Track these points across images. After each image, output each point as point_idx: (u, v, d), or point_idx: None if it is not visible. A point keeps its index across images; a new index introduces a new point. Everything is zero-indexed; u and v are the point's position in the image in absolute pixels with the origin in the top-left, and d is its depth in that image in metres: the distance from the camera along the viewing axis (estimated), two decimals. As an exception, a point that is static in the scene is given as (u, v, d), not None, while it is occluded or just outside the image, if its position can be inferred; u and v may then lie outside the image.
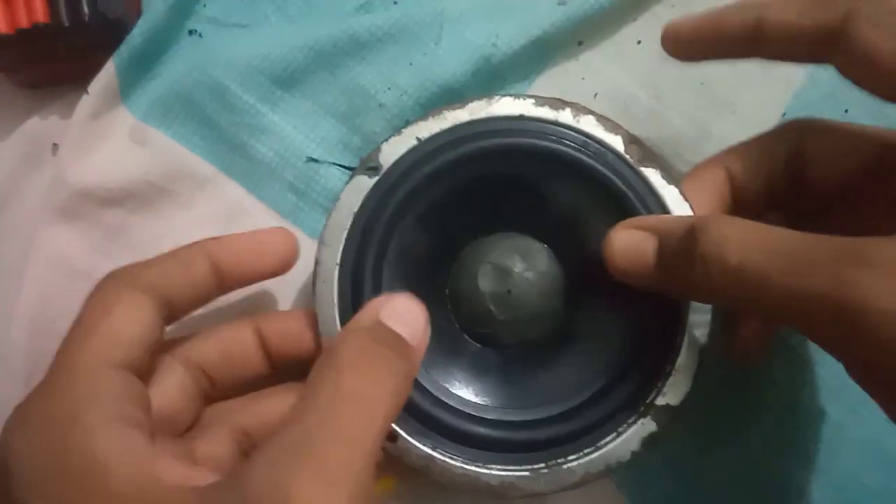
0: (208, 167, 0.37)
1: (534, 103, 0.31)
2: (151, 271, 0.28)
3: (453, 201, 0.31)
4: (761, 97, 0.38)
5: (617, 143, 0.31)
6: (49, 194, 0.35)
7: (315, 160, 0.36)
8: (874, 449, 0.35)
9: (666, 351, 0.30)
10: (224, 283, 0.30)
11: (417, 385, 0.30)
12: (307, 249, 0.35)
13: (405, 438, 0.29)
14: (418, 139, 0.31)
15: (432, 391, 0.31)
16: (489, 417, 0.31)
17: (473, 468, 0.29)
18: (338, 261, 0.30)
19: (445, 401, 0.31)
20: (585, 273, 0.32)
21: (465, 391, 0.31)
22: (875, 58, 0.24)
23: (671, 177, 0.31)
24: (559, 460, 0.30)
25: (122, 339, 0.25)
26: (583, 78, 0.38)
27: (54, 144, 0.37)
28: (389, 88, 0.36)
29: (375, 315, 0.25)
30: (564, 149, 0.30)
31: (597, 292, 0.32)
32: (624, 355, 0.31)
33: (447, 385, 0.31)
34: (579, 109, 0.31)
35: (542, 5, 0.37)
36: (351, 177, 0.31)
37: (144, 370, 0.27)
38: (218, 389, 0.31)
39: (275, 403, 0.31)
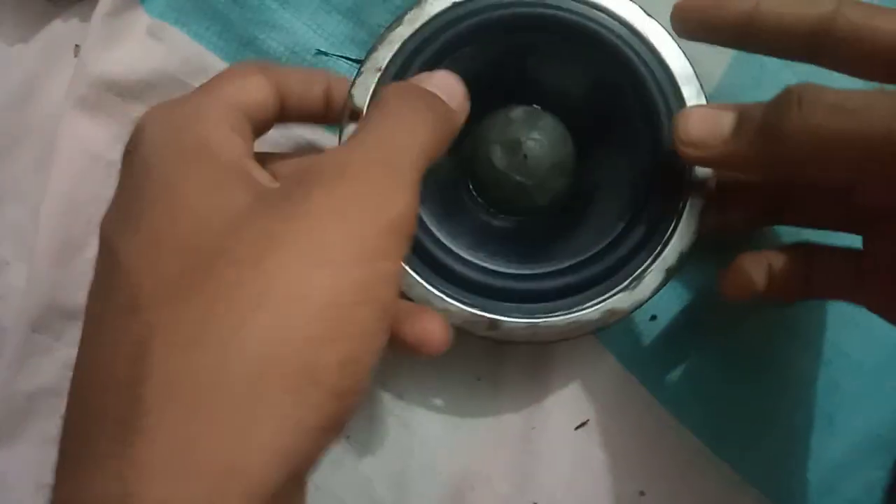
0: (222, 63, 0.38)
1: None
2: (279, 68, 0.30)
3: (475, 70, 0.32)
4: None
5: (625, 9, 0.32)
6: (71, 87, 0.37)
7: (324, 53, 0.38)
8: (855, 324, 0.37)
9: (649, 246, 0.32)
10: (331, 114, 0.32)
11: (435, 241, 0.32)
12: (322, 139, 0.37)
13: (415, 278, 0.31)
14: (454, 3, 0.32)
15: (454, 250, 0.33)
16: (491, 268, 0.33)
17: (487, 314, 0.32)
18: (365, 107, 0.31)
19: (469, 259, 0.33)
20: (594, 138, 0.34)
21: (472, 248, 0.33)
22: (865, 42, 0.25)
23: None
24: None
25: (245, 97, 0.27)
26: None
27: (76, 45, 0.39)
28: (394, -18, 0.37)
29: (419, 83, 0.28)
30: (576, 19, 0.32)
31: (603, 157, 0.34)
32: (607, 242, 0.32)
33: (463, 251, 0.33)
34: None
35: None
36: (385, 33, 0.32)
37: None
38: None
39: None
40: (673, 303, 0.38)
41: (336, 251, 0.21)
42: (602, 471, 0.37)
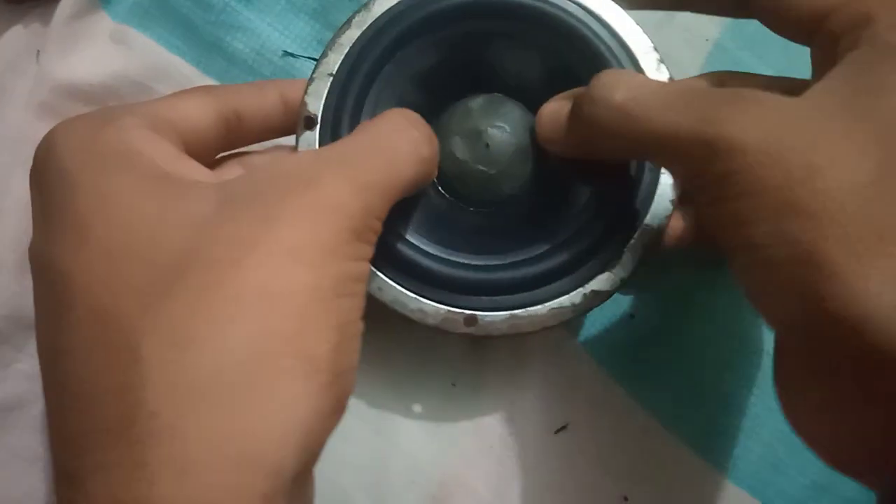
0: (188, 66, 0.38)
1: None
2: (225, 87, 0.30)
3: (429, 63, 0.33)
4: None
5: None
6: (33, 92, 0.36)
7: (291, 55, 0.37)
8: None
9: (625, 225, 0.31)
10: (290, 122, 0.31)
11: (402, 240, 0.31)
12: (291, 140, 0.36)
13: (385, 280, 0.31)
14: (399, 1, 0.32)
15: (423, 247, 0.32)
16: (463, 262, 0.32)
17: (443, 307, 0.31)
18: (319, 114, 0.31)
19: (440, 255, 0.32)
20: None
21: (441, 243, 0.32)
22: (784, 5, 0.26)
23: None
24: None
25: (175, 114, 0.27)
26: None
27: (38, 51, 0.38)
28: (359, -18, 0.37)
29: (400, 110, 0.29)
30: (528, 2, 0.31)
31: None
32: (581, 222, 0.32)
33: (433, 247, 0.32)
34: None
35: None
36: (334, 38, 0.32)
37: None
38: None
39: None
40: (651, 301, 0.37)
41: (311, 252, 0.22)
42: (584, 475, 0.36)
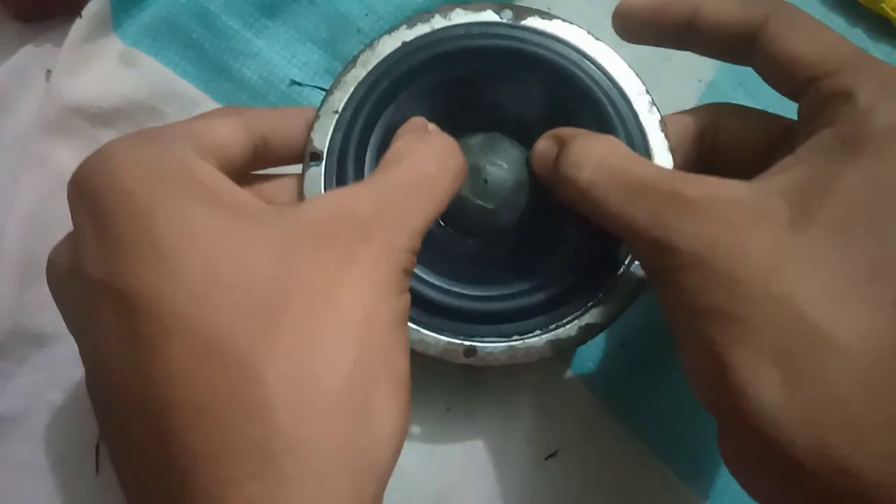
0: (195, 90, 0.38)
1: (496, 10, 0.33)
2: (254, 111, 0.31)
3: (430, 103, 0.33)
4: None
5: (571, 34, 0.33)
6: (41, 110, 0.37)
7: (298, 83, 0.38)
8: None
9: (619, 258, 0.32)
10: (263, 161, 0.31)
11: None
12: (294, 169, 0.37)
13: None
14: (403, 42, 0.33)
15: (424, 276, 0.33)
16: (463, 293, 0.33)
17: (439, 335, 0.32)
18: (324, 150, 0.32)
19: (440, 284, 0.33)
20: None
21: (441, 274, 0.33)
22: (783, 53, 0.27)
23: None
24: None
25: (214, 137, 0.27)
26: (548, 7, 0.40)
27: (48, 70, 0.39)
28: (367, 15, 0.38)
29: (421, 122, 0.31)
30: (525, 46, 0.33)
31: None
32: (577, 255, 0.33)
33: (433, 277, 0.33)
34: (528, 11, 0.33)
35: (513, -61, 0.39)
36: (340, 76, 0.33)
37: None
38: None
39: None
40: (642, 330, 0.38)
41: (384, 288, 0.25)
42: (573, 502, 0.37)
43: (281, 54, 0.39)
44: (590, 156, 0.28)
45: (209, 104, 0.39)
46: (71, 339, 0.36)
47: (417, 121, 0.32)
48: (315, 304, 0.23)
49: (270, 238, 0.23)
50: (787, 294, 0.23)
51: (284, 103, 0.39)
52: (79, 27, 0.37)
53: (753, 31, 0.28)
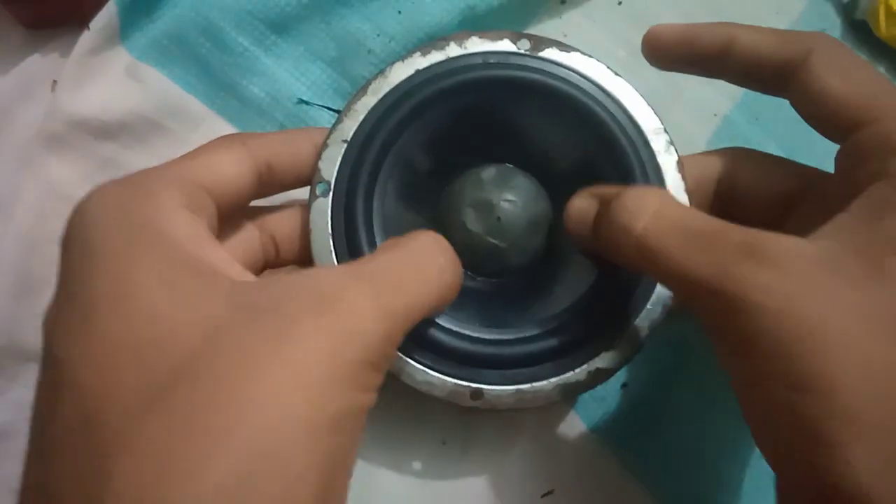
0: (201, 106, 0.38)
1: (513, 40, 0.32)
2: (259, 137, 0.30)
3: (443, 134, 0.33)
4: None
5: (589, 68, 0.32)
6: (44, 123, 0.36)
7: (306, 102, 0.38)
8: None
9: (631, 303, 0.31)
10: (269, 187, 0.31)
11: None
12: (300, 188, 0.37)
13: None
14: (416, 70, 0.32)
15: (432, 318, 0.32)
16: (472, 335, 0.32)
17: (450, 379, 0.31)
18: (332, 180, 0.31)
19: (448, 326, 0.32)
20: (569, 191, 0.33)
21: (449, 314, 0.32)
22: (825, 95, 0.26)
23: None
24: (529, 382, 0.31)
25: (210, 173, 0.27)
26: (564, 35, 0.40)
27: (53, 81, 0.38)
28: (378, 35, 0.37)
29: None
30: (543, 79, 0.32)
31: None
32: (589, 300, 0.32)
33: (441, 318, 0.32)
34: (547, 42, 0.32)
35: (529, -38, 0.38)
36: (350, 104, 0.32)
37: (220, 214, 0.27)
38: (281, 261, 0.32)
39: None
40: (644, 371, 0.37)
41: (316, 382, 0.20)
42: (568, 542, 0.36)
43: (289, 72, 0.38)
44: (646, 204, 0.26)
45: (215, 121, 0.38)
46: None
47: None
48: (213, 392, 0.19)
49: (208, 309, 0.21)
50: (887, 359, 0.21)
51: (291, 122, 0.38)
52: (86, 39, 0.36)
53: (792, 66, 0.27)
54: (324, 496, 0.20)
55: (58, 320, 0.22)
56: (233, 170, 0.27)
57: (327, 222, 0.31)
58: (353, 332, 0.21)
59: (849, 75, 0.26)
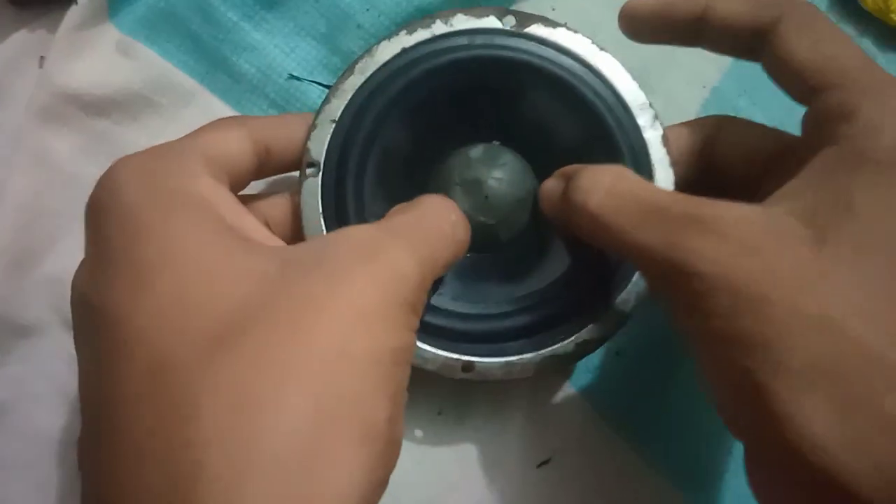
0: (191, 81, 0.38)
1: (498, 16, 0.32)
2: (257, 120, 0.30)
3: (430, 112, 0.33)
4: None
5: (575, 43, 0.32)
6: (34, 97, 0.36)
7: (296, 77, 0.38)
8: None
9: (616, 275, 0.32)
10: (266, 170, 0.31)
11: None
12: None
13: None
14: (403, 48, 0.32)
15: None
16: (462, 311, 0.32)
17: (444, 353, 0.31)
18: (322, 160, 0.31)
19: (438, 305, 0.32)
20: (555, 167, 0.33)
21: (440, 290, 0.33)
22: (790, 60, 0.27)
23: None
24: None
25: (224, 148, 0.27)
26: (553, 8, 0.40)
27: (41, 57, 0.38)
28: (368, 10, 0.37)
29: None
30: (528, 58, 0.32)
31: None
32: (575, 272, 0.32)
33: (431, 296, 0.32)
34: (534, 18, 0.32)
35: (518, -65, 0.38)
36: (337, 83, 0.32)
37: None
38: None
39: None
40: (638, 339, 0.37)
41: (375, 319, 0.22)
42: (565, 510, 0.36)
43: (279, 48, 0.38)
44: (599, 182, 0.27)
45: (205, 97, 0.38)
46: (57, 332, 0.36)
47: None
48: (276, 331, 0.20)
49: (256, 265, 0.22)
50: (823, 314, 0.22)
51: (282, 97, 0.38)
52: (74, 14, 0.36)
53: (765, 31, 0.28)
54: (393, 423, 0.22)
55: (105, 286, 0.22)
56: (237, 146, 0.28)
57: (318, 202, 0.31)
58: (398, 276, 0.23)
59: (817, 40, 0.27)
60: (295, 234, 0.32)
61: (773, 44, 0.27)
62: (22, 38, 0.39)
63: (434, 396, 0.37)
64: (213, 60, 0.38)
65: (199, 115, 0.38)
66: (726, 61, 0.40)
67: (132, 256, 0.22)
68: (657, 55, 0.38)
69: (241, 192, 0.31)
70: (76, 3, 0.36)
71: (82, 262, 0.24)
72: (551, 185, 0.31)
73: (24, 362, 0.36)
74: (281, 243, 0.26)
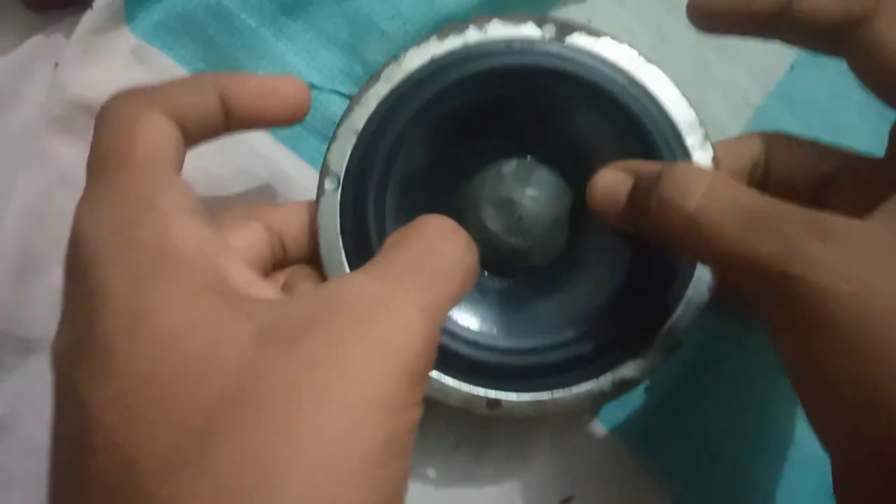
0: (208, 89, 0.36)
1: (538, 23, 0.30)
2: (166, 96, 0.26)
3: (460, 125, 0.31)
4: (768, 49, 0.37)
5: (620, 55, 0.30)
6: (46, 104, 0.35)
7: (316, 87, 0.36)
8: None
9: (659, 308, 0.29)
10: (232, 119, 0.28)
11: None
12: (306, 176, 0.36)
13: None
14: (433, 57, 0.30)
15: (447, 325, 0.30)
16: (489, 344, 0.30)
17: (468, 387, 0.29)
18: (342, 174, 0.30)
19: (464, 335, 0.30)
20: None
21: (465, 318, 0.31)
22: (885, 58, 0.25)
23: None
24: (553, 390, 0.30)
25: (165, 149, 0.24)
26: (589, 19, 0.38)
27: (56, 63, 0.37)
28: (393, 17, 0.36)
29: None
30: (571, 68, 0.30)
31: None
32: (615, 304, 0.30)
33: (456, 325, 0.31)
34: (580, 28, 0.30)
35: (553, -57, 0.37)
36: (361, 92, 0.30)
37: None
38: (288, 260, 0.31)
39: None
40: (668, 373, 0.35)
41: (364, 407, 0.19)
42: (587, 551, 0.34)
43: (300, 56, 0.36)
44: (698, 180, 0.25)
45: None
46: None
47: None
48: (255, 436, 0.18)
49: (235, 338, 0.19)
50: None
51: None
52: (89, 18, 0.35)
53: (855, 24, 0.25)
54: None
55: (74, 359, 0.20)
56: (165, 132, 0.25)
57: (336, 221, 0.30)
58: (401, 342, 0.20)
59: None
60: (312, 250, 0.30)
61: (865, 39, 0.25)
62: (37, 43, 0.38)
63: (451, 427, 0.35)
64: (230, 67, 0.36)
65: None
66: (772, 79, 0.38)
67: (97, 327, 0.20)
68: (696, 74, 0.37)
69: (252, 202, 0.30)
70: (91, 7, 0.35)
71: (60, 322, 0.22)
72: (613, 178, 0.28)
73: (26, 377, 0.35)
74: (268, 291, 0.22)
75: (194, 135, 0.26)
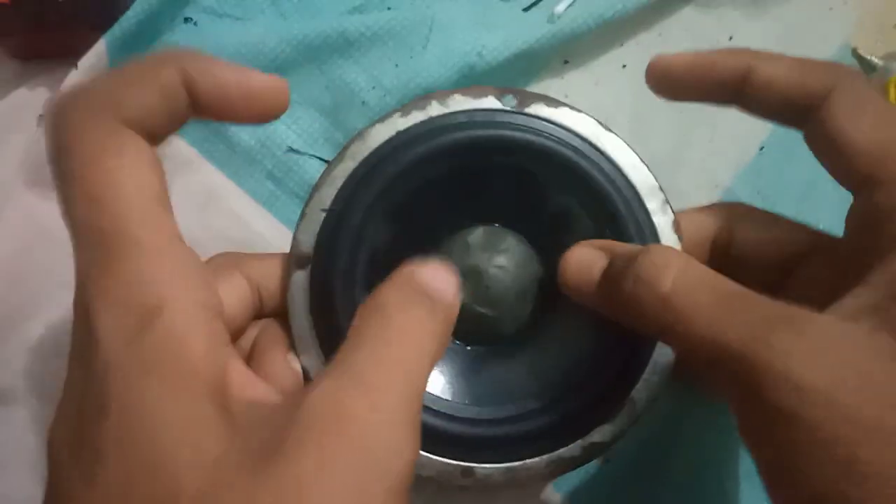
0: (189, 149, 0.37)
1: (497, 96, 0.31)
2: (130, 101, 0.23)
3: (426, 197, 0.31)
4: (739, 130, 0.39)
5: (579, 123, 0.31)
6: (27, 158, 0.36)
7: (295, 151, 0.37)
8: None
9: (627, 372, 0.30)
10: (198, 111, 0.25)
11: None
12: (282, 238, 0.36)
13: None
14: (397, 131, 0.30)
15: None
16: (461, 415, 0.30)
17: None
18: (311, 252, 0.30)
19: (435, 408, 0.30)
20: (561, 250, 0.31)
21: (435, 387, 0.31)
22: (841, 141, 0.25)
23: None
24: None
25: (157, 195, 0.23)
26: (566, 95, 0.39)
27: (40, 116, 0.37)
28: (374, 87, 0.37)
29: (412, 274, 0.24)
30: (530, 137, 0.30)
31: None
32: (585, 370, 0.30)
33: (426, 396, 0.31)
34: (549, 101, 0.31)
35: (532, 20, 0.38)
36: (328, 170, 0.30)
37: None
38: (264, 312, 0.30)
39: None
40: (628, 446, 0.35)
41: None
42: None
43: (282, 119, 0.37)
44: (673, 262, 0.24)
45: (202, 165, 0.37)
46: (32, 402, 0.35)
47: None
48: None
49: (211, 451, 0.19)
50: None
51: (280, 170, 0.37)
52: (74, 78, 0.35)
53: (813, 101, 0.25)
54: None
55: (69, 454, 0.20)
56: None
57: (305, 301, 0.30)
58: (374, 462, 0.19)
59: (874, 123, 0.25)
60: (285, 307, 0.31)
61: (822, 118, 0.25)
62: (22, 96, 0.38)
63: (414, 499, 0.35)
64: (212, 129, 0.37)
65: (194, 183, 0.37)
66: (742, 161, 0.39)
67: (91, 434, 0.20)
68: (665, 153, 0.37)
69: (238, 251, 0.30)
70: (77, 67, 0.35)
71: (59, 407, 0.22)
72: (587, 255, 0.28)
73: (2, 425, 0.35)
74: (260, 389, 0.22)
75: (165, 132, 0.24)
